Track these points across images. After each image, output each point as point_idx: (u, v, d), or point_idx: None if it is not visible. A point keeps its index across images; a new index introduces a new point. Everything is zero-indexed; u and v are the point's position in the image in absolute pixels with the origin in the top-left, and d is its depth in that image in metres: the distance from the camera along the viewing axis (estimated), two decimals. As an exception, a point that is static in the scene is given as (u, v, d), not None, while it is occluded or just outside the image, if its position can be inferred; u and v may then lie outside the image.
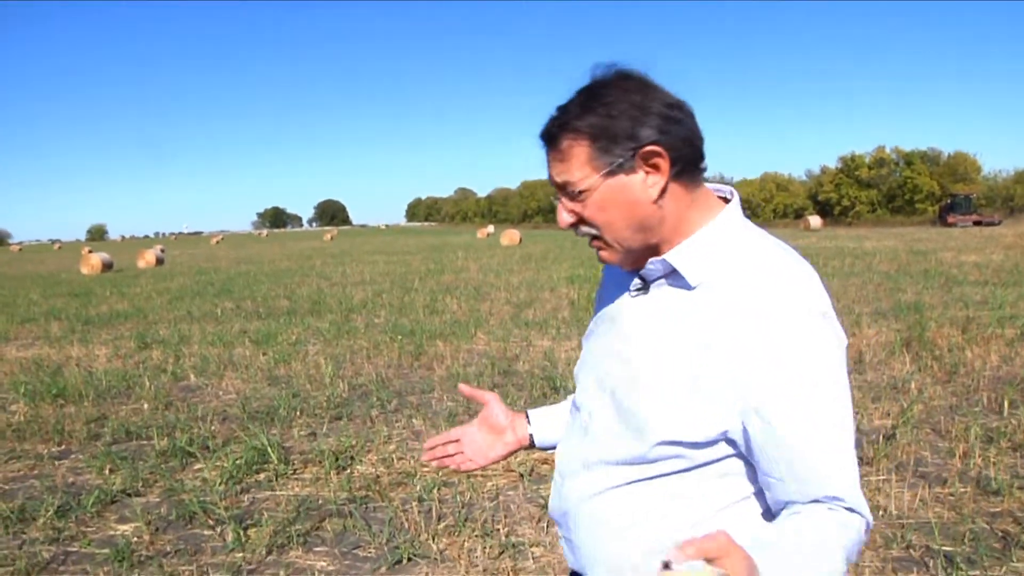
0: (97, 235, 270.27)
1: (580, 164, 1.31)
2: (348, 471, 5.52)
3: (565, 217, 1.37)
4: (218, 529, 4.62)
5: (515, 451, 1.76)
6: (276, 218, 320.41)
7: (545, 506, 4.77)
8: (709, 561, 1.06)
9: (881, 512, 4.53)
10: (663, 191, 1.31)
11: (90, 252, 41.35)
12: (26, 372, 9.79)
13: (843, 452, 1.27)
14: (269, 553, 4.29)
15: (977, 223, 51.32)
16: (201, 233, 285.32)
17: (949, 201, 57.30)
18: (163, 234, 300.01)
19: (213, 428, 6.72)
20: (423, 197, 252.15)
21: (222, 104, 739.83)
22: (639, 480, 1.38)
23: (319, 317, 14.11)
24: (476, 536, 4.39)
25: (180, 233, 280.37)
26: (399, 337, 11.03)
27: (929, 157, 69.73)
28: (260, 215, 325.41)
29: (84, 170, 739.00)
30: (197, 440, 6.29)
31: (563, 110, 1.34)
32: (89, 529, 4.75)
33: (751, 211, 78.53)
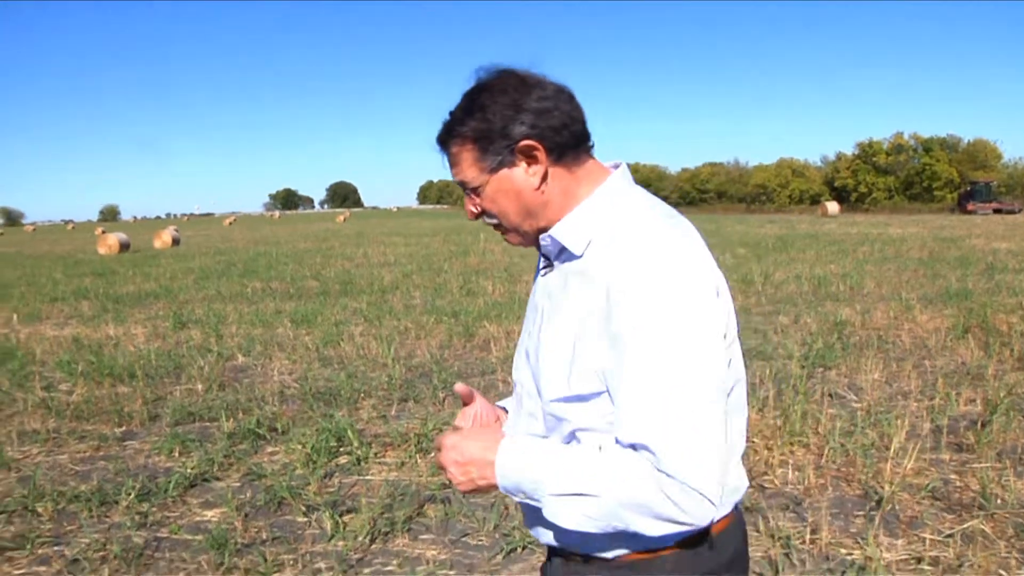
0: (110, 216, 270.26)
1: (469, 165, 1.46)
2: (433, 455, 5.32)
3: (471, 210, 1.53)
4: (312, 516, 4.44)
5: None
6: (288, 200, 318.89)
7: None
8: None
9: (999, 500, 4.34)
10: (544, 177, 1.45)
11: (104, 232, 41.21)
12: (67, 351, 9.63)
13: (669, 408, 1.27)
14: (372, 541, 4.10)
15: (997, 211, 50.80)
16: (213, 214, 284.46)
17: (969, 188, 56.74)
18: (175, 215, 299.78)
19: (275, 410, 6.53)
20: (435, 180, 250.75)
21: (234, 86, 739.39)
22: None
23: (353, 298, 13.93)
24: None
25: (192, 214, 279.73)
26: (444, 318, 10.85)
27: (948, 144, 69.07)
28: (272, 196, 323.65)
29: (96, 151, 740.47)
30: (264, 422, 6.10)
31: (450, 117, 1.48)
32: (174, 514, 4.58)
33: (767, 197, 78.06)
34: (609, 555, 1.45)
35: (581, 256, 1.44)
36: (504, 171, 1.44)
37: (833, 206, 57.07)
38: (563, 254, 1.48)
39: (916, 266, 16.34)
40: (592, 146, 1.52)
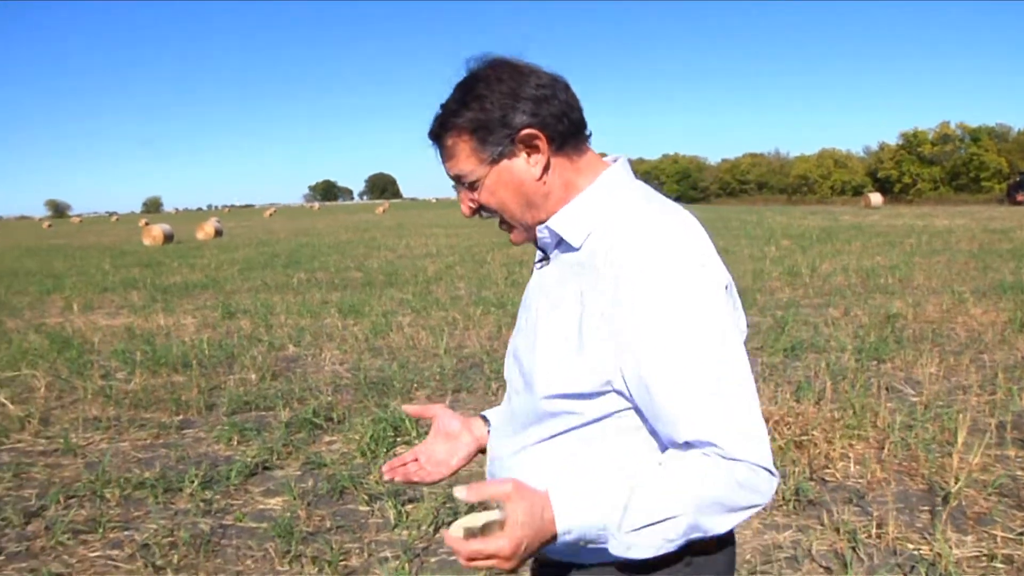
0: (152, 207, 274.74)
1: (466, 157, 1.40)
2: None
3: (467, 206, 1.47)
4: (375, 505, 4.47)
5: (476, 452, 1.72)
6: (328, 191, 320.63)
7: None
8: (489, 506, 1.25)
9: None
10: (546, 168, 1.40)
11: (148, 224, 41.75)
12: (120, 340, 9.79)
13: (715, 395, 1.26)
14: (436, 531, 4.14)
15: (1048, 202, 49.86)
16: (253, 206, 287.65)
17: (1018, 179, 55.66)
18: (216, 206, 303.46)
19: (330, 399, 6.59)
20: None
21: (273, 79, 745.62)
22: (548, 438, 1.43)
23: (398, 289, 14.01)
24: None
25: (232, 206, 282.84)
26: (491, 309, 10.87)
27: (997, 133, 67.93)
28: (312, 188, 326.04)
29: (138, 143, 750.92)
30: (321, 412, 6.16)
31: (443, 109, 1.42)
32: (237, 502, 4.64)
33: (808, 188, 77.21)
34: (591, 561, 1.42)
35: (579, 248, 1.41)
36: (504, 162, 1.39)
37: (876, 197, 56.15)
38: (561, 245, 1.45)
39: (966, 258, 16.06)
40: (590, 136, 1.47)
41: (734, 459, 1.25)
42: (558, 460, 1.42)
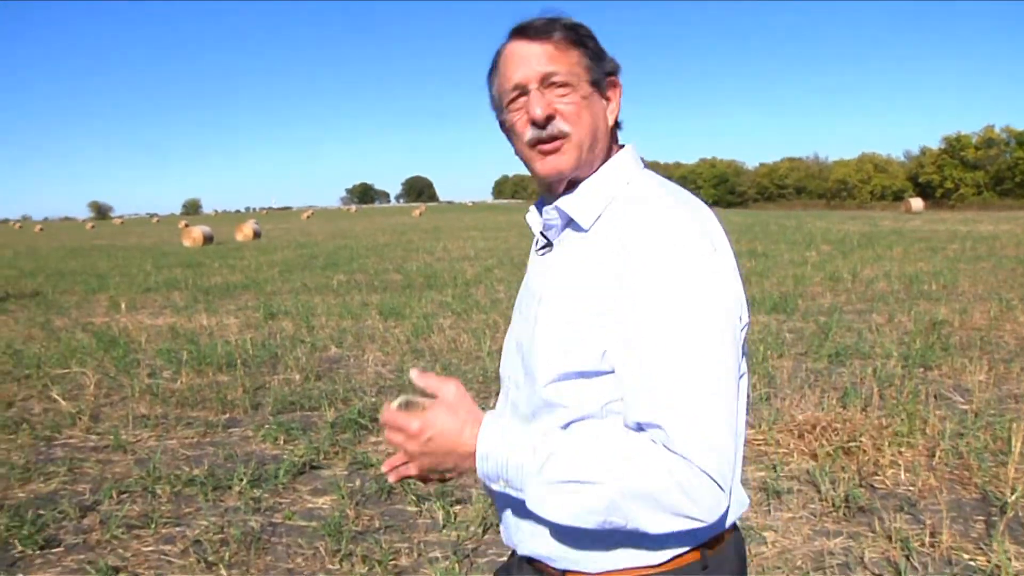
0: (192, 209, 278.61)
1: (573, 62, 1.36)
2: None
3: (541, 109, 1.34)
4: (423, 506, 4.48)
5: None
6: (364, 194, 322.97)
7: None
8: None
9: None
10: (615, 122, 1.44)
11: (187, 226, 42.22)
12: (165, 340, 9.92)
13: (682, 385, 1.19)
14: (485, 532, 4.13)
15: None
16: (290, 208, 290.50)
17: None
18: (254, 208, 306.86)
19: (374, 400, 6.62)
20: (510, 174, 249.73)
21: (312, 81, 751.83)
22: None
23: (438, 291, 14.06)
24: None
25: (269, 208, 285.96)
26: (531, 313, 10.86)
27: (1045, 137, 66.66)
28: (349, 191, 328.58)
29: (178, 146, 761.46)
30: (366, 412, 6.19)
31: (552, 17, 1.39)
32: (285, 501, 4.68)
33: (847, 192, 76.41)
34: (591, 571, 1.35)
35: (588, 230, 1.36)
36: (596, 92, 1.39)
37: (917, 202, 55.35)
38: (569, 226, 1.41)
39: (1013, 264, 15.82)
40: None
41: (678, 454, 1.16)
42: None
